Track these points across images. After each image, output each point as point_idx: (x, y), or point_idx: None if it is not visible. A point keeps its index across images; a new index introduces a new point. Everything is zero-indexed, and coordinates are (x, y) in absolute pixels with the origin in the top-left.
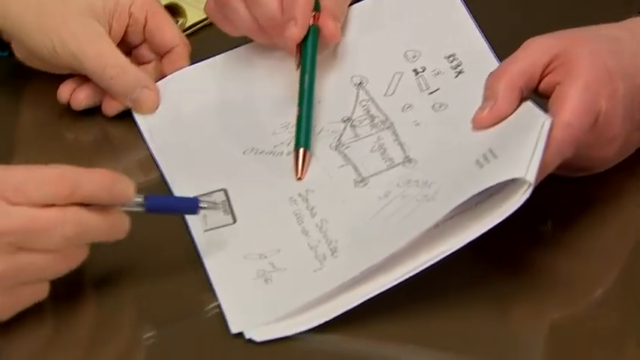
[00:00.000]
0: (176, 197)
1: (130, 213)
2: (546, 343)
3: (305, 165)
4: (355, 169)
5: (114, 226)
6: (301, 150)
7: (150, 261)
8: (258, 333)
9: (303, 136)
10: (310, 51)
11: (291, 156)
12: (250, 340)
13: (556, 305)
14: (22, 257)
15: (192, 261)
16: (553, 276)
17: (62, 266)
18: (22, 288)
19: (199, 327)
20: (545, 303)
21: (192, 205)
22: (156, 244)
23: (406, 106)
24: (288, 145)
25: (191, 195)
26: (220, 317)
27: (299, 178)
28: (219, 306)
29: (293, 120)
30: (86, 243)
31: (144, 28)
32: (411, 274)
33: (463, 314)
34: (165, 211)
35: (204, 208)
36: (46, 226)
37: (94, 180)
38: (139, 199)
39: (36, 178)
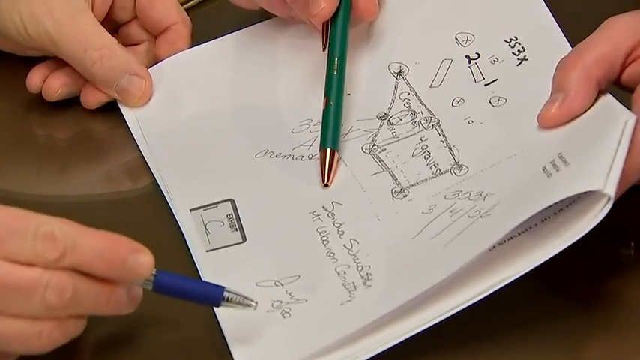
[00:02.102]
0: (195, 281)
1: None
2: None
3: (333, 169)
4: (393, 177)
5: (113, 300)
6: (328, 150)
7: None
8: None
9: (331, 134)
10: (341, 29)
11: (313, 161)
12: None
13: (639, 347)
14: None
15: None
16: (636, 311)
17: (40, 342)
18: None
19: None
20: (626, 344)
21: (214, 294)
22: None
23: (456, 100)
24: (310, 147)
25: (191, 206)
26: (228, 357)
27: (326, 185)
28: (225, 344)
29: (316, 116)
30: (75, 314)
31: (134, 1)
32: (461, 307)
33: (525, 358)
34: (178, 295)
35: (231, 302)
36: (23, 288)
37: (94, 246)
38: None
39: (22, 230)
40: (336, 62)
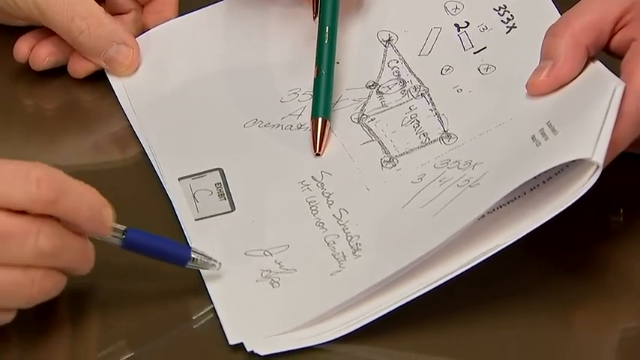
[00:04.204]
0: (163, 239)
1: None
2: (616, 359)
3: (325, 137)
4: (382, 146)
5: (87, 254)
6: (320, 119)
7: (132, 258)
8: (262, 345)
9: (323, 103)
10: None
11: (302, 130)
12: (253, 354)
13: (629, 313)
14: None
15: None
16: (626, 278)
17: (32, 291)
18: None
19: (191, 337)
20: (615, 310)
21: (181, 254)
22: None
23: (445, 69)
24: (299, 116)
25: (180, 175)
26: (216, 326)
27: (317, 154)
28: (214, 312)
29: (305, 85)
30: (60, 266)
31: None
32: (451, 276)
33: (515, 325)
34: (145, 252)
35: (195, 262)
36: (16, 235)
37: (80, 193)
38: (119, 228)
39: (14, 174)
40: (327, 31)
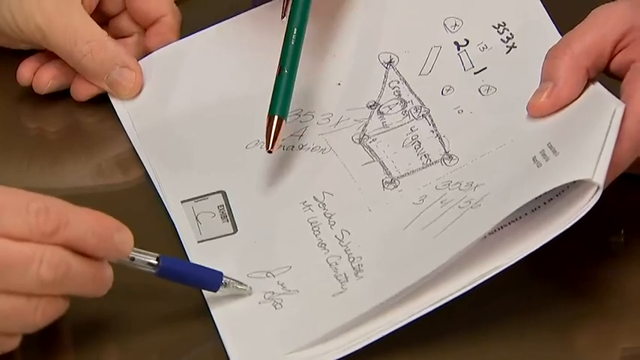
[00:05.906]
0: (195, 266)
1: None
2: None
3: (279, 137)
4: (383, 167)
5: (98, 278)
6: (275, 118)
7: (133, 281)
8: None
9: (281, 102)
10: (302, 1)
11: (303, 151)
12: None
13: (630, 333)
14: None
15: None
16: (626, 298)
17: (35, 318)
18: None
19: None
20: (616, 330)
21: (213, 280)
22: None
23: (446, 89)
24: (300, 137)
25: (183, 198)
26: (220, 348)
27: (269, 151)
28: (218, 336)
29: (307, 106)
30: (65, 293)
31: None
32: (452, 297)
33: (516, 345)
34: (180, 279)
35: (226, 287)
36: (18, 263)
37: (85, 221)
38: (151, 260)
39: (15, 205)
40: (294, 32)
